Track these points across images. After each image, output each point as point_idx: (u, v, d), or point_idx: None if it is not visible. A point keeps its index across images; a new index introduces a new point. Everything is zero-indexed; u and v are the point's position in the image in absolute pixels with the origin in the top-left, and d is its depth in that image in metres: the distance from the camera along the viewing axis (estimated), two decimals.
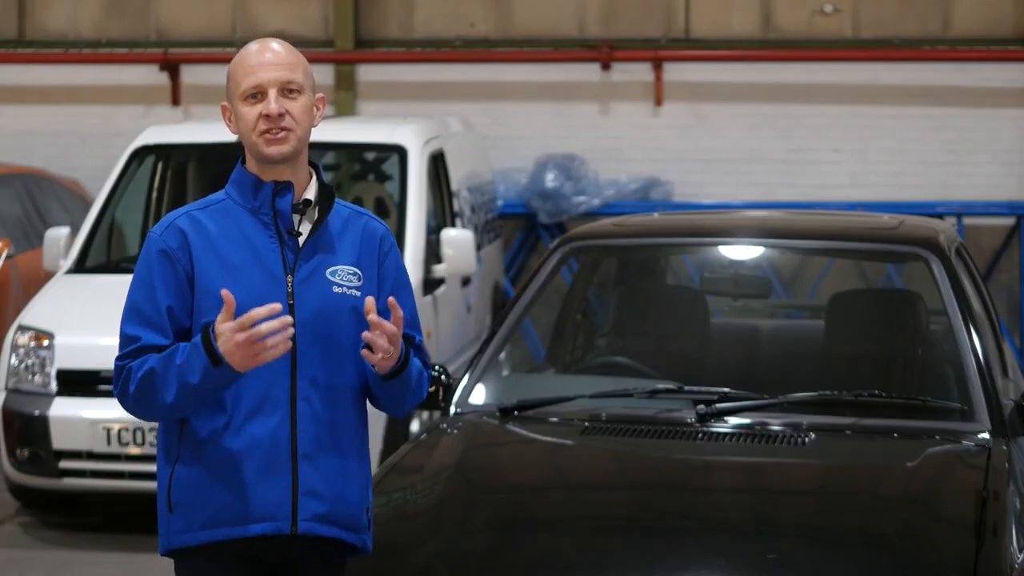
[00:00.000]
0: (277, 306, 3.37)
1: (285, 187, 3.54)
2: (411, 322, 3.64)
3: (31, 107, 13.04)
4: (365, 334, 3.44)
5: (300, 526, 3.50)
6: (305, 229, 3.57)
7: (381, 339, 3.42)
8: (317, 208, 3.58)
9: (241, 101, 3.53)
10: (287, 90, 3.52)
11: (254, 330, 3.33)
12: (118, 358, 3.49)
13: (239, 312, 3.37)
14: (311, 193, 3.59)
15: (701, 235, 5.87)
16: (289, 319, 3.38)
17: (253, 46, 3.58)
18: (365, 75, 12.77)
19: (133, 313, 3.51)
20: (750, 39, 12.49)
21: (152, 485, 7.36)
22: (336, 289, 3.55)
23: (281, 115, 3.49)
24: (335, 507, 3.54)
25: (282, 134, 3.50)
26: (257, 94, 3.51)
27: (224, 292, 3.37)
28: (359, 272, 3.59)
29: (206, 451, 3.49)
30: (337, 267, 3.57)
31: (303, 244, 3.55)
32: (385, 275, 3.64)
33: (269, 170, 3.55)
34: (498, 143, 12.35)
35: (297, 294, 3.51)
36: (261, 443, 3.48)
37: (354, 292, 3.56)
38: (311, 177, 3.62)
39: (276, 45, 3.56)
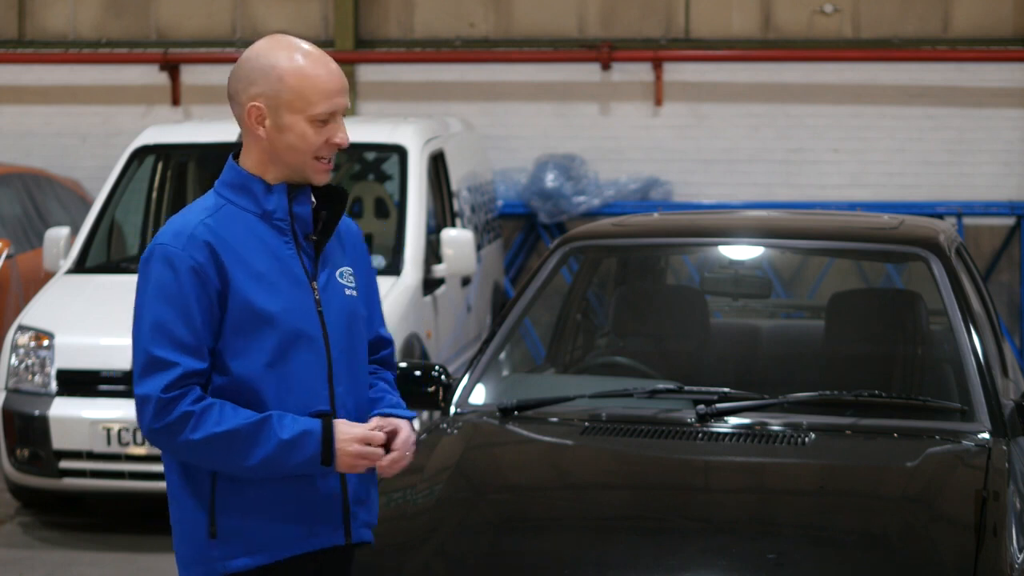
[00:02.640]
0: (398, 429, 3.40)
1: (302, 191, 3.44)
2: (382, 320, 3.68)
3: (31, 107, 13.05)
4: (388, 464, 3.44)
5: (353, 535, 3.47)
6: (316, 232, 3.48)
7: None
8: (328, 209, 3.50)
9: (309, 120, 3.35)
10: (343, 115, 3.44)
11: (375, 452, 3.35)
12: (163, 389, 3.25)
13: (277, 322, 3.32)
14: (310, 194, 3.50)
15: (701, 235, 5.87)
16: (409, 453, 3.43)
17: (319, 58, 3.37)
18: (365, 75, 12.77)
19: (162, 334, 3.29)
20: (750, 39, 12.49)
21: (151, 485, 7.42)
22: (348, 292, 3.50)
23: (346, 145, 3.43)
24: (373, 511, 3.54)
25: (331, 163, 3.44)
26: (328, 119, 3.38)
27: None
28: (353, 271, 3.55)
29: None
30: (342, 268, 3.51)
31: (321, 249, 3.46)
32: (368, 274, 3.62)
33: (272, 174, 3.42)
34: (498, 143, 12.36)
35: (323, 301, 3.43)
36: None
37: (355, 293, 3.53)
38: None
39: (332, 61, 3.42)
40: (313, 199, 3.49)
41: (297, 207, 3.43)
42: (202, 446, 3.26)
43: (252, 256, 3.36)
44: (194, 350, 3.29)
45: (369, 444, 3.35)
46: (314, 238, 3.45)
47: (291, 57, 3.36)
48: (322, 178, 3.43)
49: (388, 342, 3.71)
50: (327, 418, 3.33)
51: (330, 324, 3.43)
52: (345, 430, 3.32)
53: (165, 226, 3.39)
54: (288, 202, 3.42)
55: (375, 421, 3.43)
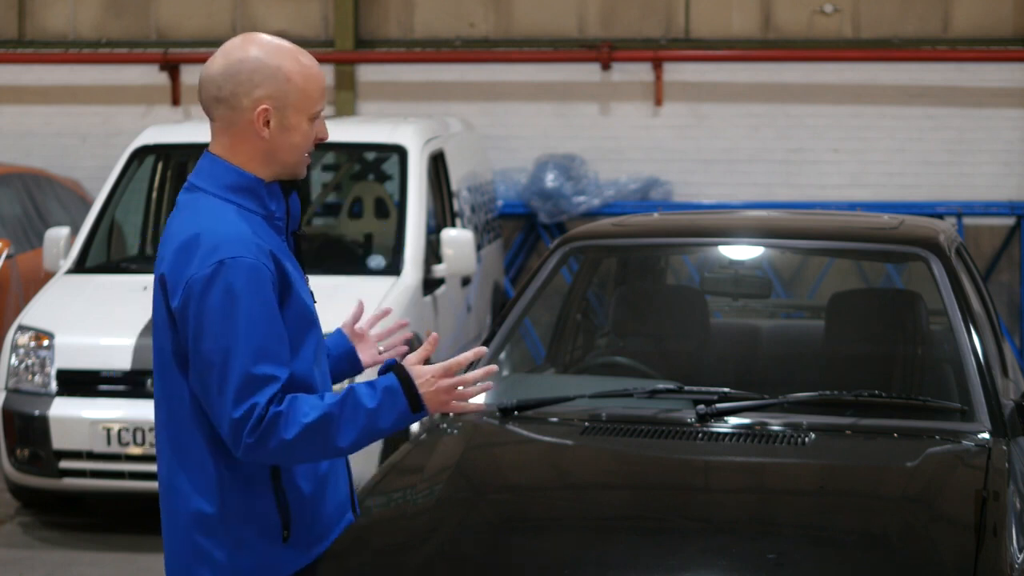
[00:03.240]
0: (483, 350, 3.40)
1: (293, 189, 3.46)
2: None
3: (31, 107, 13.05)
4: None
5: (357, 510, 3.61)
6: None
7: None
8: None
9: (308, 118, 3.36)
10: None
11: (462, 378, 3.32)
12: (265, 405, 3.19)
13: (314, 322, 3.36)
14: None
15: (701, 235, 5.87)
16: (495, 368, 3.41)
17: (308, 59, 3.38)
18: (365, 75, 12.78)
19: (261, 350, 3.21)
20: (750, 39, 12.49)
21: (152, 485, 7.42)
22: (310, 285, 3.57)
23: None
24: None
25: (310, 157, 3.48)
26: (317, 116, 3.40)
27: (431, 333, 3.39)
28: None
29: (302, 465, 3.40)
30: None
31: (297, 243, 3.51)
32: None
33: (269, 174, 3.42)
34: (498, 143, 12.36)
35: (312, 294, 3.50)
36: None
37: None
38: None
39: None
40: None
41: (293, 206, 3.48)
42: (297, 442, 3.22)
43: (286, 259, 3.37)
44: (286, 361, 3.27)
45: (451, 373, 3.34)
46: (300, 233, 3.50)
47: (295, 59, 3.35)
48: (305, 171, 3.46)
49: None
50: (399, 368, 3.32)
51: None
52: (420, 371, 3.31)
53: (214, 237, 3.25)
54: (285, 201, 3.45)
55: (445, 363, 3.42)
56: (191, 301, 3.22)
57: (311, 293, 3.50)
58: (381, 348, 3.83)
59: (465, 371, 3.50)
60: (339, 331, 3.81)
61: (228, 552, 3.34)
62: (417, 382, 3.30)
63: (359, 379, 3.77)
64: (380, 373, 3.36)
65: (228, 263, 3.21)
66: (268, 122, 3.33)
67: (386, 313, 3.99)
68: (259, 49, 3.34)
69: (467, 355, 3.36)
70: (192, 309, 3.22)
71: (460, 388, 3.33)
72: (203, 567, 3.35)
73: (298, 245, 3.50)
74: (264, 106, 3.32)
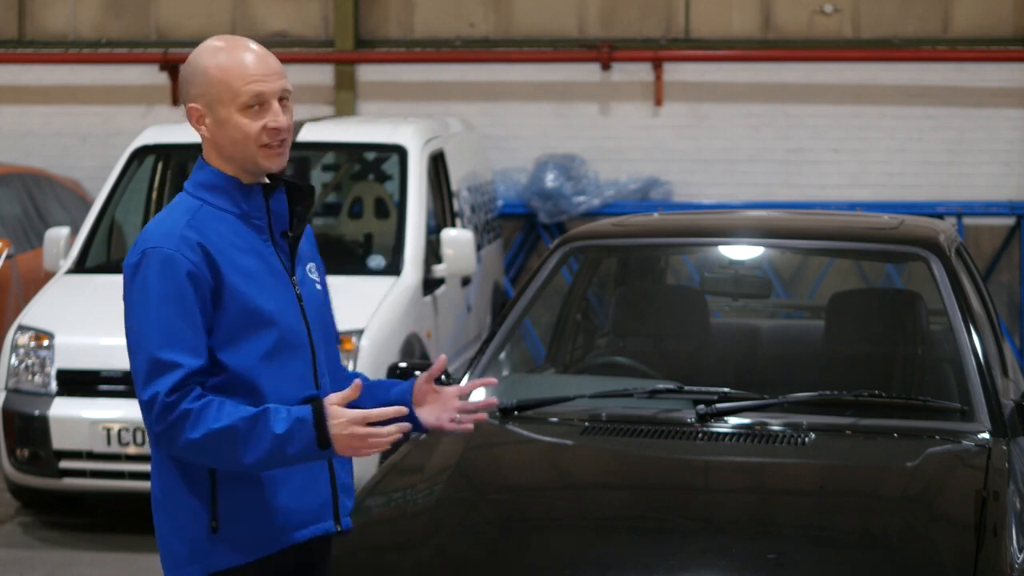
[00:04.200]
0: (403, 409, 3.33)
1: (276, 188, 3.47)
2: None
3: (31, 107, 13.04)
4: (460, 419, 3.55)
5: (342, 523, 3.51)
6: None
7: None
8: (298, 207, 3.52)
9: (238, 110, 3.38)
10: (283, 99, 3.43)
11: (376, 431, 3.28)
12: (168, 391, 3.26)
13: (274, 319, 3.37)
14: (283, 191, 3.52)
15: (701, 235, 5.87)
16: (408, 426, 3.40)
17: (242, 50, 3.41)
18: (365, 75, 12.77)
19: (165, 335, 3.29)
20: (750, 39, 12.49)
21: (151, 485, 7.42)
22: (318, 286, 3.56)
23: (287, 127, 3.41)
24: (351, 498, 3.57)
25: (282, 147, 3.42)
26: (258, 104, 3.39)
27: (357, 383, 3.33)
28: (316, 267, 3.61)
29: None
30: (310, 264, 3.58)
31: (295, 245, 3.50)
32: (323, 270, 3.66)
33: (250, 176, 3.44)
34: (498, 143, 12.36)
35: (303, 296, 3.49)
36: None
37: (322, 288, 3.60)
38: None
39: (260, 48, 3.44)
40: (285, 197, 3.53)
41: (274, 204, 3.47)
42: (202, 445, 3.26)
43: (239, 256, 3.40)
44: (196, 351, 3.31)
45: (371, 425, 3.31)
46: (290, 235, 3.49)
47: (213, 53, 3.42)
48: (275, 162, 3.43)
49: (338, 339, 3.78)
50: (318, 401, 3.32)
51: (310, 318, 3.49)
52: (337, 412, 3.29)
53: (148, 230, 3.40)
54: (265, 200, 3.46)
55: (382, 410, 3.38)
56: (124, 287, 3.39)
57: (320, 293, 3.52)
58: (457, 418, 3.62)
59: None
60: (410, 384, 3.65)
61: (167, 532, 3.42)
62: (330, 421, 3.28)
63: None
64: (299, 402, 3.36)
65: (148, 253, 3.33)
66: (203, 120, 3.41)
67: (477, 386, 3.73)
68: (197, 52, 3.45)
69: (388, 411, 3.32)
70: (124, 294, 3.39)
71: (372, 440, 3.29)
72: (159, 545, 3.46)
73: (292, 246, 3.50)
74: (192, 104, 3.43)
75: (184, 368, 3.28)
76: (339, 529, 3.50)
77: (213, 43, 3.44)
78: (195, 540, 3.38)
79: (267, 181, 3.48)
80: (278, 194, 3.48)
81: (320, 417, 3.29)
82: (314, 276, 3.57)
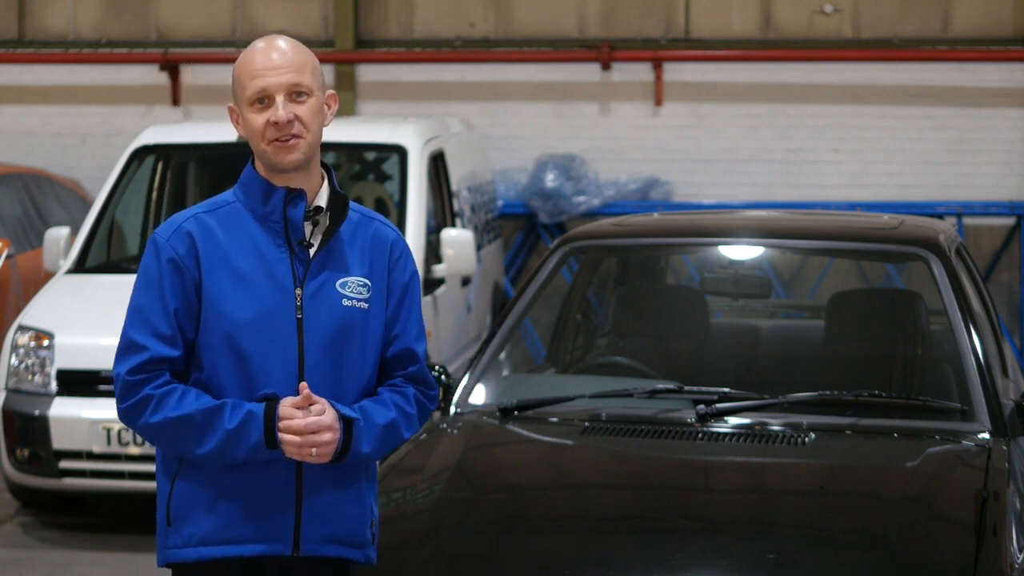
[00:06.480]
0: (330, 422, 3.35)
1: (297, 195, 3.41)
2: (418, 336, 3.55)
3: (31, 107, 13.04)
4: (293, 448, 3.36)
5: (303, 548, 3.42)
6: (316, 239, 3.44)
7: (304, 449, 3.36)
8: (328, 215, 3.45)
9: (248, 106, 3.38)
10: (295, 94, 3.38)
11: (318, 439, 3.32)
12: (128, 371, 3.34)
13: (244, 323, 3.35)
14: (323, 199, 3.46)
15: (701, 235, 5.87)
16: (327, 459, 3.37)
17: (259, 44, 3.42)
18: (365, 75, 12.77)
19: (140, 318, 3.38)
20: (750, 39, 12.49)
21: (151, 485, 7.41)
22: (346, 302, 3.43)
23: (290, 122, 3.35)
24: (339, 527, 3.46)
25: (292, 141, 3.37)
26: (264, 99, 3.37)
27: (303, 386, 3.33)
28: (368, 283, 3.46)
29: (208, 467, 3.38)
30: (348, 279, 3.45)
31: (313, 256, 3.43)
32: (393, 286, 3.52)
33: (280, 176, 3.41)
34: (498, 143, 12.36)
35: (306, 308, 3.40)
36: (265, 462, 3.37)
37: (363, 304, 3.45)
38: (323, 180, 3.49)
39: (283, 44, 3.41)
40: (324, 205, 3.46)
41: (290, 211, 3.42)
42: (159, 430, 3.35)
43: (237, 255, 3.40)
44: (165, 337, 3.37)
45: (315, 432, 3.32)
46: (309, 244, 3.43)
47: (242, 52, 3.47)
48: (283, 158, 3.40)
49: (416, 357, 3.57)
50: (271, 401, 3.34)
51: (310, 331, 3.40)
52: (289, 413, 3.31)
53: (169, 218, 3.54)
54: (283, 206, 3.42)
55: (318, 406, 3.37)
56: None
57: (346, 310, 3.43)
58: None
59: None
60: None
61: (158, 521, 3.50)
62: (280, 423, 3.32)
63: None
64: (256, 399, 3.37)
65: (151, 238, 3.45)
66: (238, 119, 3.46)
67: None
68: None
69: (327, 419, 3.34)
70: None
71: (313, 451, 3.33)
72: None
73: (307, 255, 3.43)
74: (230, 105, 3.49)
75: (149, 352, 3.35)
76: (296, 555, 3.41)
77: (249, 47, 3.48)
78: (160, 529, 3.47)
79: (299, 185, 3.42)
80: (298, 201, 3.42)
81: (271, 418, 3.31)
82: (349, 291, 3.44)
